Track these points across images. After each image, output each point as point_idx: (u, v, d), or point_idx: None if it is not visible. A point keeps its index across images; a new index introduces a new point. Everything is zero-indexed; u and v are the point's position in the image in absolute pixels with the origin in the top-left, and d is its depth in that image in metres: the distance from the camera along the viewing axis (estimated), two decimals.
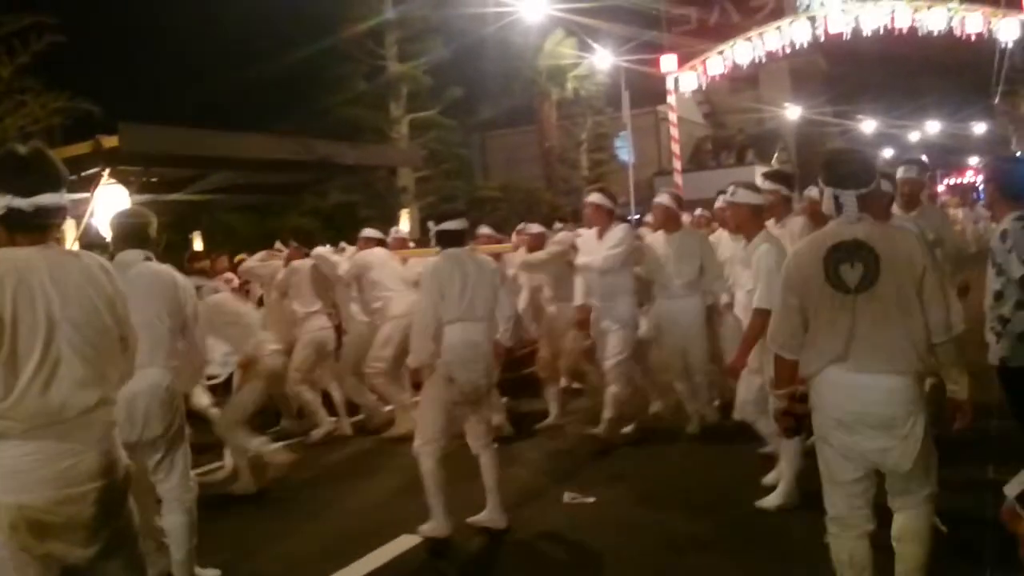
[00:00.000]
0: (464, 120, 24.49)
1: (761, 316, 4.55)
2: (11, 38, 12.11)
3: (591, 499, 5.56)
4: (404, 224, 13.42)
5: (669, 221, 6.92)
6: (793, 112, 35.14)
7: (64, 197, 2.72)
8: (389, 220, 11.49)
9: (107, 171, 10.27)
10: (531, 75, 25.31)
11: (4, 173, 2.62)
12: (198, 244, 12.97)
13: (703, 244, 6.90)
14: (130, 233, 4.25)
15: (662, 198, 7.07)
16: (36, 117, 12.65)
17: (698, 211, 10.00)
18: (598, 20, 22.00)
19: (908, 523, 3.31)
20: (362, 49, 21.65)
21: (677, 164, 17.72)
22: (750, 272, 4.99)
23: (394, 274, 7.78)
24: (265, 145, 13.03)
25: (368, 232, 8.51)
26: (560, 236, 7.76)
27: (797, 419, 3.40)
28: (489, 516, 5.10)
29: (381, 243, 8.45)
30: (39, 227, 2.64)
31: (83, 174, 9.13)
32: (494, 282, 5.13)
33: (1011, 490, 2.50)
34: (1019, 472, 2.56)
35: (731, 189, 5.30)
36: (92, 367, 2.63)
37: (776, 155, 32.53)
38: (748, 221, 5.17)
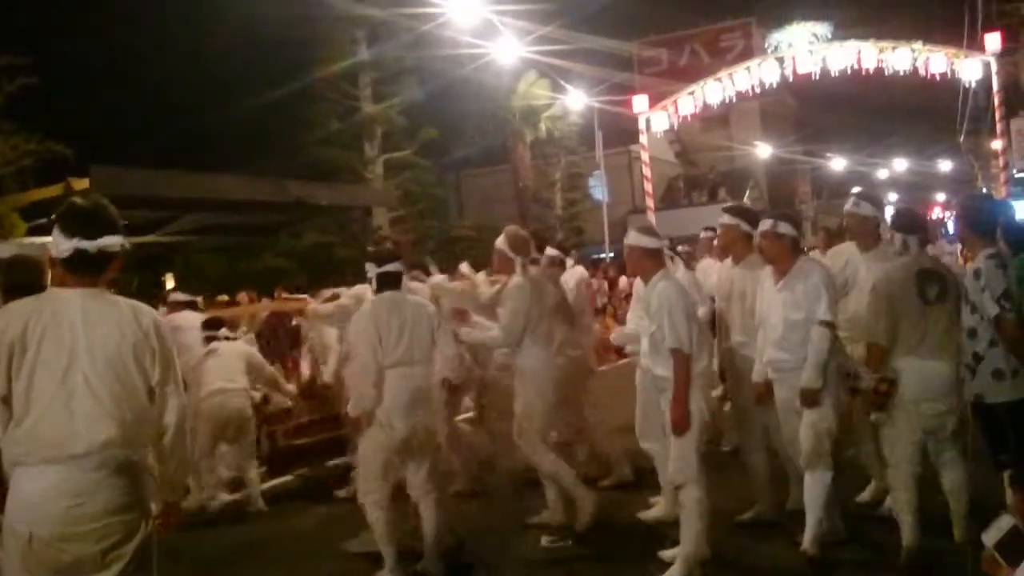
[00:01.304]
0: (439, 160, 24.63)
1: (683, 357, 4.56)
2: None
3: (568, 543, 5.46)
4: None
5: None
6: (764, 151, 35.64)
7: (121, 241, 2.90)
8: (360, 262, 11.44)
9: None
10: (505, 115, 25.52)
11: (72, 220, 2.87)
12: (170, 285, 12.86)
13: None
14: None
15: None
16: (7, 159, 12.57)
17: (681, 247, 9.96)
18: (571, 62, 22.29)
19: (952, 477, 4.57)
20: (336, 90, 21.76)
21: (650, 202, 17.82)
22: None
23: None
24: (238, 186, 13.01)
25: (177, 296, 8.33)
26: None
27: (883, 396, 4.48)
28: (424, 565, 4.92)
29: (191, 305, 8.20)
30: (97, 269, 2.86)
31: (53, 217, 9.01)
32: (431, 324, 4.98)
33: (989, 539, 2.49)
34: (996, 518, 2.56)
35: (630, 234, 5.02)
36: (106, 407, 2.74)
37: (748, 192, 32.90)
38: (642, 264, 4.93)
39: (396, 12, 19.19)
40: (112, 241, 2.86)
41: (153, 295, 11.65)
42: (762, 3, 32.14)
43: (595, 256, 24.57)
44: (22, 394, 2.70)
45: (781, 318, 4.68)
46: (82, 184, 10.69)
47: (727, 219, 5.48)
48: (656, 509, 5.69)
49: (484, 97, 24.99)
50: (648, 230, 5.05)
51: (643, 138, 17.34)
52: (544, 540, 5.51)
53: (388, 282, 4.97)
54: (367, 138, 22.18)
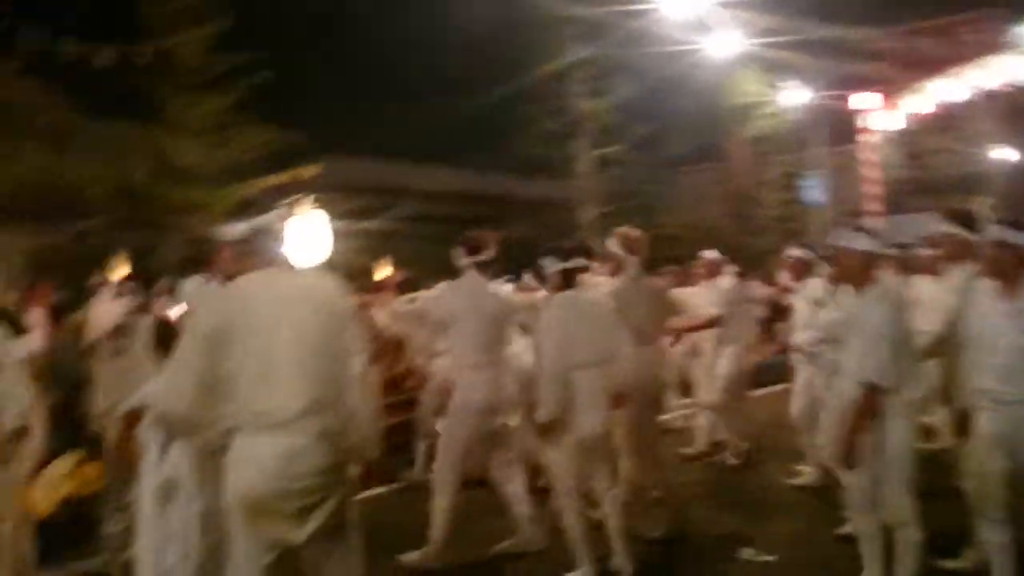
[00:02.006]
0: (649, 157, 24.34)
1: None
2: (228, 75, 13.09)
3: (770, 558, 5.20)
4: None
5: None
6: (1004, 154, 32.67)
7: (283, 225, 3.18)
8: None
9: (307, 199, 10.85)
10: (720, 112, 24.84)
11: (252, 207, 3.21)
12: (388, 270, 13.40)
13: None
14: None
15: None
16: (247, 148, 13.60)
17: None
18: (792, 53, 21.29)
19: None
20: (551, 86, 21.94)
21: (872, 206, 16.81)
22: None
23: None
24: (453, 179, 13.45)
25: None
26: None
27: None
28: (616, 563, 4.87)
29: None
30: (276, 247, 3.14)
31: (285, 201, 9.68)
32: (611, 321, 4.90)
33: None
34: None
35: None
36: (306, 375, 3.00)
37: (981, 199, 30.33)
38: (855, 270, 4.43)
39: (611, 10, 19.10)
40: (282, 221, 3.16)
41: (367, 278, 12.21)
42: None
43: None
44: (234, 371, 2.97)
45: (1008, 343, 4.05)
46: (313, 171, 11.40)
47: (947, 226, 4.91)
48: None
49: (699, 93, 24.41)
50: (867, 230, 4.53)
51: (867, 137, 16.36)
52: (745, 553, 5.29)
53: (569, 280, 4.87)
54: (578, 134, 22.25)
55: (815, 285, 6.50)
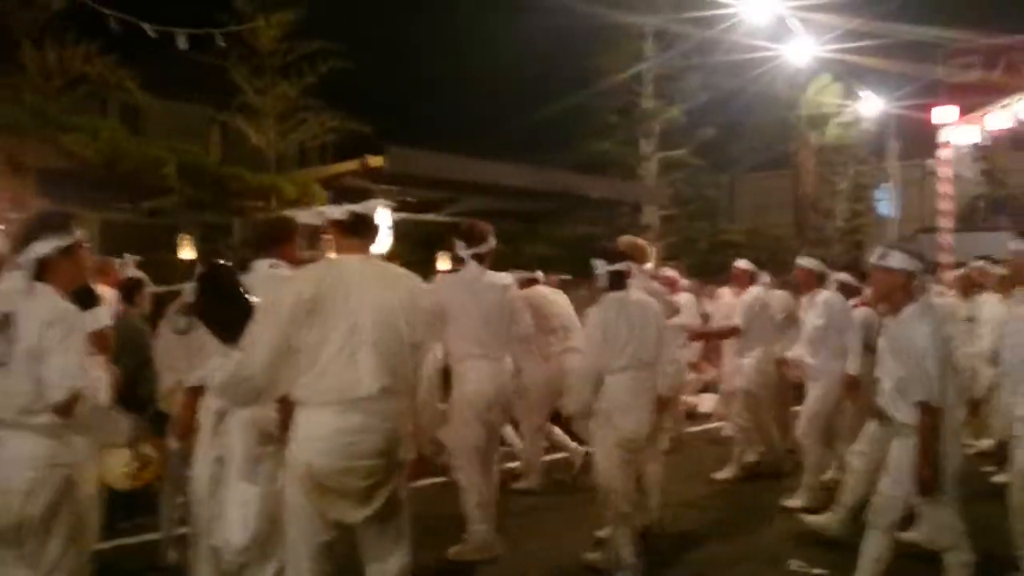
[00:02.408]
0: (715, 161, 24.01)
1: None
2: (300, 61, 13.24)
3: (819, 571, 5.09)
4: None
5: None
6: None
7: (383, 215, 3.31)
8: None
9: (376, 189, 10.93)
10: (790, 119, 24.39)
11: (348, 193, 3.30)
12: (444, 264, 13.43)
13: None
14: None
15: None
16: (315, 134, 13.75)
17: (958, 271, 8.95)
18: (867, 66, 20.79)
19: None
20: (619, 86, 21.79)
21: (945, 222, 16.32)
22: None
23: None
24: (518, 174, 13.41)
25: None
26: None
27: None
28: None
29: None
30: (367, 233, 3.25)
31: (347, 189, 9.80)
32: (659, 324, 4.95)
33: None
34: None
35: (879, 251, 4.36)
36: (383, 359, 3.08)
37: None
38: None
39: (685, 13, 18.88)
40: (375, 208, 3.24)
41: (426, 270, 12.29)
42: None
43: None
44: (314, 345, 3.06)
45: None
46: (377, 161, 11.46)
47: (1016, 244, 4.72)
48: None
49: (769, 100, 24.02)
50: (904, 249, 4.35)
51: (944, 152, 15.91)
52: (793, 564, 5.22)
53: (617, 281, 4.93)
54: (644, 135, 22.07)
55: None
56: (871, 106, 23.11)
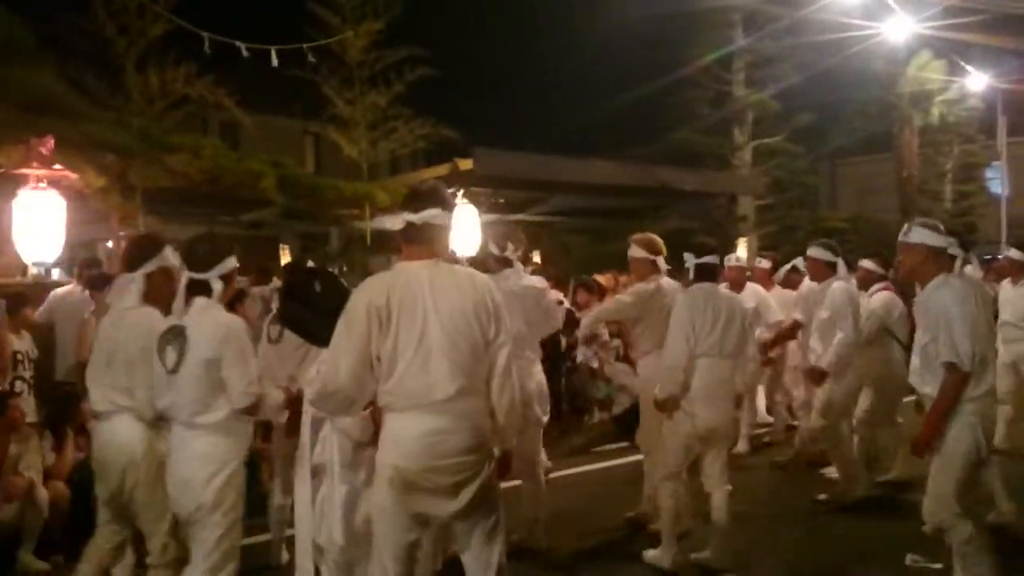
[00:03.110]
0: (812, 147, 23.36)
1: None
2: (388, 70, 13.43)
3: (938, 566, 4.86)
4: (741, 252, 13.01)
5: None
6: None
7: (447, 218, 3.32)
8: (726, 248, 11.09)
9: (461, 192, 11.02)
10: (891, 100, 23.54)
11: (408, 198, 3.37)
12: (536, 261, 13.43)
13: None
14: None
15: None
16: (405, 142, 13.93)
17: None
18: (975, 36, 19.82)
19: None
20: (709, 75, 21.43)
21: None
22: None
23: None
24: (607, 171, 13.31)
25: None
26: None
27: None
28: (710, 555, 5.10)
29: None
30: (427, 240, 3.27)
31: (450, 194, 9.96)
32: (744, 319, 5.13)
33: None
34: None
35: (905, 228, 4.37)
36: (455, 362, 3.14)
37: None
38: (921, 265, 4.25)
39: None
40: (433, 216, 3.25)
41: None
42: None
43: (988, 256, 21.87)
44: (389, 352, 3.15)
45: None
46: (467, 164, 11.53)
47: None
48: None
49: (868, 80, 23.26)
50: (932, 225, 4.30)
51: None
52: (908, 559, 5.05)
53: (705, 273, 5.17)
54: (737, 124, 21.64)
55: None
56: (977, 82, 22.09)
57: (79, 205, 8.73)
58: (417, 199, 3.31)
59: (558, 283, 8.78)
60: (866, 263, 7.08)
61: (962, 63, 21.46)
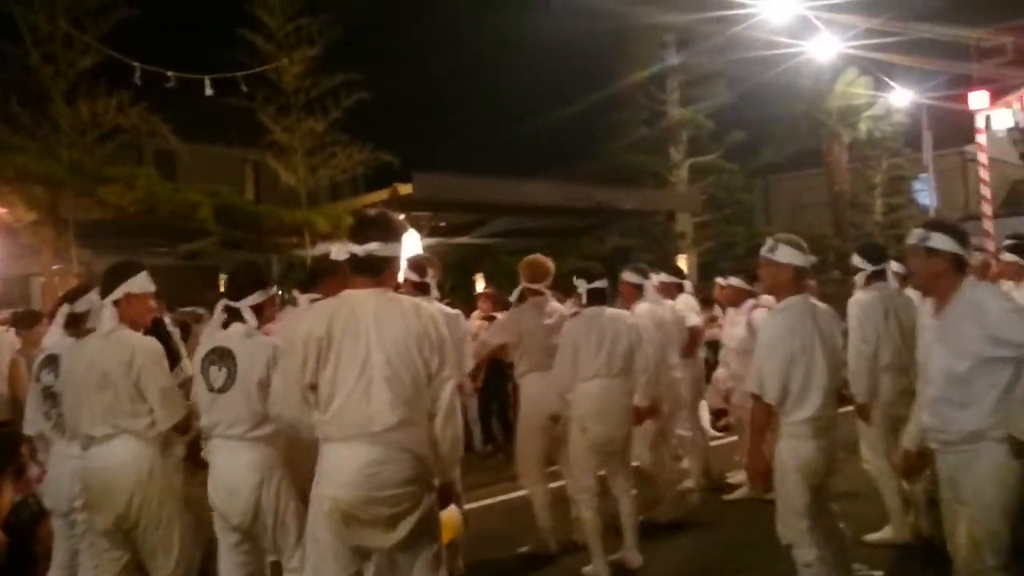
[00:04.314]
0: (746, 164, 23.84)
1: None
2: (325, 96, 13.34)
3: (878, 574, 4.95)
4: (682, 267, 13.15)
5: None
6: None
7: (394, 248, 3.28)
8: (665, 266, 11.25)
9: (402, 216, 11.01)
10: (819, 116, 24.13)
11: (353, 228, 3.34)
12: (480, 285, 13.46)
13: None
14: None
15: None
16: (344, 168, 13.83)
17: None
18: (897, 55, 20.52)
19: None
20: (643, 94, 21.77)
21: (987, 208, 16.01)
22: None
23: None
24: (546, 191, 13.41)
25: None
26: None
27: None
28: (624, 554, 5.37)
29: None
30: (373, 271, 3.23)
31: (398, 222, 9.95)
32: (630, 338, 5.29)
33: None
34: None
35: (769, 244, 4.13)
36: (397, 392, 3.10)
37: None
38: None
39: (706, 15, 18.81)
40: (379, 249, 3.21)
41: (466, 294, 12.29)
42: None
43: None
44: (328, 381, 3.11)
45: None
46: (406, 189, 11.53)
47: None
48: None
49: (797, 98, 23.82)
50: (797, 243, 4.08)
51: (981, 138, 15.67)
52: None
53: (595, 297, 5.36)
54: (672, 142, 21.99)
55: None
56: (901, 98, 22.79)
57: (8, 240, 8.52)
58: (362, 229, 3.25)
59: (502, 305, 8.79)
60: (733, 280, 6.83)
61: (887, 80, 22.15)
